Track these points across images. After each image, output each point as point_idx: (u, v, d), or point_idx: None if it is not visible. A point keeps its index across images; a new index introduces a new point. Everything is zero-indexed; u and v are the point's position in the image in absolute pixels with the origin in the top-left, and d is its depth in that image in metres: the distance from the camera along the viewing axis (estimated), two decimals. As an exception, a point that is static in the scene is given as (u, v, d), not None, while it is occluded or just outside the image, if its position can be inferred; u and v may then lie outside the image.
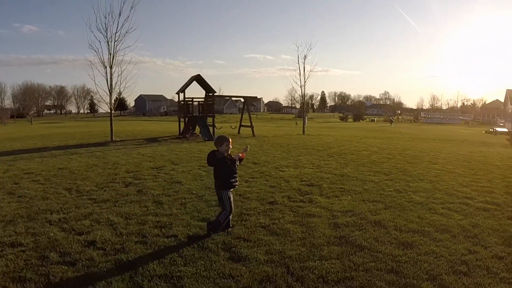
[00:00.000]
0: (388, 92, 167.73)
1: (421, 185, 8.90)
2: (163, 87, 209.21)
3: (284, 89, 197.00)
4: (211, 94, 23.33)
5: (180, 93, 22.55)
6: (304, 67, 27.79)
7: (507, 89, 46.21)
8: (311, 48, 27.84)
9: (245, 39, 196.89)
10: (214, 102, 24.34)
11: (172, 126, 37.63)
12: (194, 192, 7.62)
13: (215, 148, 5.17)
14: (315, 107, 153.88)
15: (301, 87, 27.97)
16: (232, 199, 5.24)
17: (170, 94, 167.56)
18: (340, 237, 5.24)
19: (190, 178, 9.07)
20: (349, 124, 60.89)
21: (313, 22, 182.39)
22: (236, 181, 5.24)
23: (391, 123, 57.45)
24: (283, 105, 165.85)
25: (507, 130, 39.81)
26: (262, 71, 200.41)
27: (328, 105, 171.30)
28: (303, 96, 28.93)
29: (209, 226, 5.18)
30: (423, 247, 4.95)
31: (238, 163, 5.27)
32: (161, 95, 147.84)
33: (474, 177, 10.35)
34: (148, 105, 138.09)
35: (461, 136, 31.20)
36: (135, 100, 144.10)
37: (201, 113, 23.02)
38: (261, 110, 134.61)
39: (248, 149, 5.64)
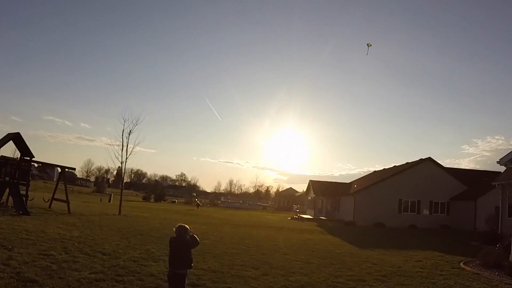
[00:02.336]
0: (184, 174, 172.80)
1: (300, 279, 9.29)
2: None
3: (79, 159, 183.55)
4: (28, 158, 20.79)
5: (-9, 151, 19.83)
6: (127, 143, 27.28)
7: (310, 180, 55.09)
8: (137, 124, 27.41)
9: (47, 97, 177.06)
10: (30, 168, 21.79)
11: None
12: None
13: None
14: (110, 182, 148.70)
15: (122, 163, 27.13)
16: None
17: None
18: None
19: (43, 274, 7.36)
20: (153, 204, 60.15)
21: (117, 94, 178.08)
22: None
23: (198, 207, 59.02)
24: (77, 176, 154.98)
25: (311, 217, 45.16)
26: (58, 137, 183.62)
27: (123, 181, 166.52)
28: (123, 172, 28.03)
29: None
30: None
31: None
32: None
33: (335, 266, 11.59)
34: None
35: (274, 223, 34.19)
36: None
37: (14, 179, 20.04)
38: (54, 179, 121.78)
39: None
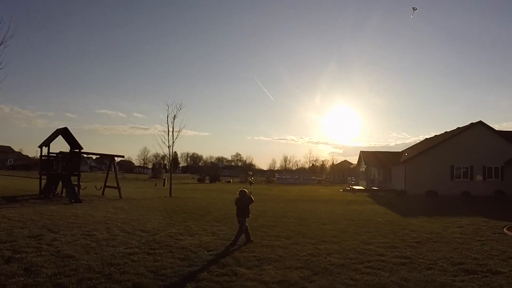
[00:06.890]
0: (240, 154, 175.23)
1: (329, 247, 9.49)
2: (11, 137, 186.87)
3: (136, 148, 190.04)
4: (77, 150, 22.80)
5: (44, 147, 21.64)
6: (173, 128, 28.63)
7: (360, 151, 53.62)
8: (180, 108, 28.56)
9: (98, 92, 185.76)
10: (80, 159, 23.73)
11: (25, 182, 37.14)
12: (96, 269, 6.65)
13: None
14: (167, 167, 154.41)
15: (169, 147, 28.81)
16: None
17: (18, 146, 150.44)
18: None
19: (81, 250, 8.19)
20: (208, 185, 61.93)
21: (167, 82, 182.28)
22: None
23: (251, 184, 59.96)
24: (135, 164, 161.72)
25: (363, 188, 44.76)
26: (113, 128, 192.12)
27: (180, 165, 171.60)
28: (170, 156, 29.28)
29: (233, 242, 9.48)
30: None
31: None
32: (9, 147, 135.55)
33: (370, 234, 11.50)
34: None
35: (324, 196, 34.29)
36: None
37: (66, 171, 21.99)
38: (113, 170, 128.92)
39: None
